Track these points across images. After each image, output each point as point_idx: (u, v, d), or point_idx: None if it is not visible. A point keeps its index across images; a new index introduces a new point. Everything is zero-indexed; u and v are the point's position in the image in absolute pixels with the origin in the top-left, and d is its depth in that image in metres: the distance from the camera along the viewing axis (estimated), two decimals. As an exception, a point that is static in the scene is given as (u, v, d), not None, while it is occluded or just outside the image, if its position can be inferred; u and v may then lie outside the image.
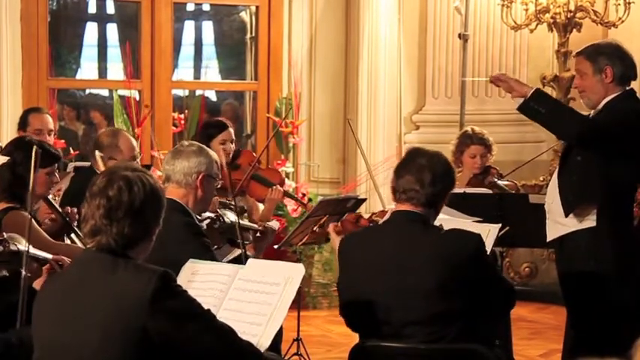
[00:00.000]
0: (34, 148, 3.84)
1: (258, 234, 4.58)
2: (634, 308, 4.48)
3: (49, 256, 3.57)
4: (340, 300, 3.77)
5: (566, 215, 4.50)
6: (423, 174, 3.63)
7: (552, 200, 4.60)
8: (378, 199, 7.90)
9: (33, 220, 4.28)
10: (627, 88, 4.55)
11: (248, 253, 4.29)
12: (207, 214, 4.35)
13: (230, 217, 4.41)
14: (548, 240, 4.64)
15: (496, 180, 5.79)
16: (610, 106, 4.49)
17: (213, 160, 4.16)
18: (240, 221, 4.51)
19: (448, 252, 3.54)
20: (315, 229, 5.20)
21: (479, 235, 3.65)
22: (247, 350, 2.99)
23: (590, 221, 4.47)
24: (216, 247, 4.14)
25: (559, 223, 4.56)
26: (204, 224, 4.22)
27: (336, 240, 4.17)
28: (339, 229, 4.35)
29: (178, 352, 2.82)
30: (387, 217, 3.88)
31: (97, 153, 5.37)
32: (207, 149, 4.22)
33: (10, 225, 4.11)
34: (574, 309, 4.61)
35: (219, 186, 4.27)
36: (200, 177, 4.07)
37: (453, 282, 3.52)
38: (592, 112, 4.60)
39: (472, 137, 5.90)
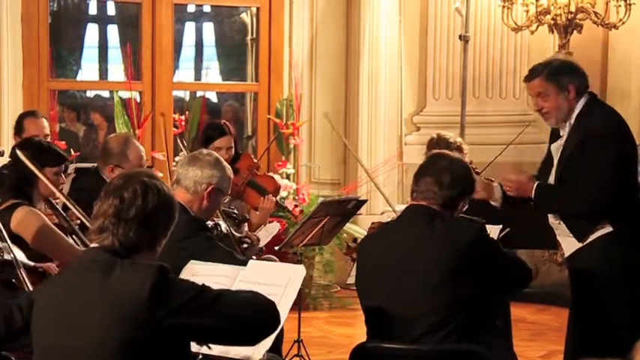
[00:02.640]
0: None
1: (244, 245, 4.60)
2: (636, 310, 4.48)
3: (36, 264, 3.60)
4: (361, 303, 3.79)
5: (581, 241, 4.51)
6: (443, 175, 3.68)
7: (559, 221, 4.59)
8: (379, 200, 7.93)
9: (47, 220, 4.31)
10: (587, 93, 4.57)
11: None
12: None
13: (224, 226, 4.43)
14: (566, 256, 4.64)
15: None
16: (584, 124, 4.48)
17: (226, 176, 4.15)
18: (233, 232, 4.54)
19: (453, 240, 3.57)
20: (349, 244, 5.24)
21: (480, 223, 3.74)
22: (257, 300, 2.93)
23: (607, 229, 4.46)
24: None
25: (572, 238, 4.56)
26: None
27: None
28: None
29: (188, 337, 2.83)
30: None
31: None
32: (224, 163, 4.20)
33: (27, 220, 4.14)
34: (582, 310, 4.60)
35: (226, 201, 4.29)
36: (209, 189, 4.07)
37: (460, 270, 3.54)
38: (563, 126, 4.58)
39: (438, 143, 5.90)
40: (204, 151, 4.32)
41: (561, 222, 4.54)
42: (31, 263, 3.68)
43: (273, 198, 5.74)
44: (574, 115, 4.53)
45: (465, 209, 3.89)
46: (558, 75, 4.54)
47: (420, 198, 3.72)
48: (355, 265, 3.95)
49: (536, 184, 4.54)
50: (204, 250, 3.78)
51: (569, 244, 4.57)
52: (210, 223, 4.37)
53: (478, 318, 3.62)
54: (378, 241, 3.84)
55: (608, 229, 4.44)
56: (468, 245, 3.57)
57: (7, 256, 3.57)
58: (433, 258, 3.55)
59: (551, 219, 4.63)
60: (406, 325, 3.56)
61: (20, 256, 3.74)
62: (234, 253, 4.03)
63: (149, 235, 2.90)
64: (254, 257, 4.45)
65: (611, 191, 4.38)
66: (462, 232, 3.62)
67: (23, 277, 3.56)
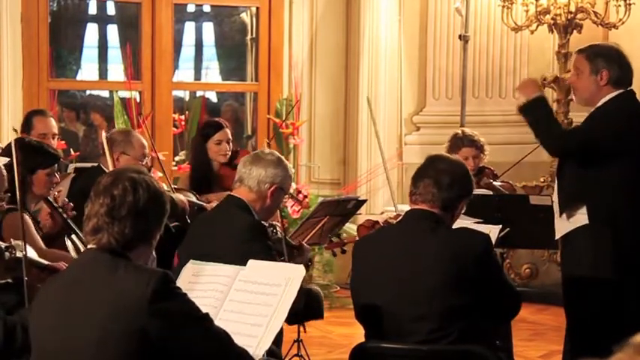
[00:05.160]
0: (14, 152, 3.82)
1: (295, 251, 4.60)
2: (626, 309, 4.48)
3: (47, 262, 3.59)
4: (354, 302, 3.78)
5: (560, 215, 4.55)
6: (442, 177, 3.65)
7: (555, 200, 4.67)
8: (379, 198, 7.94)
9: (31, 225, 4.29)
10: (627, 89, 4.59)
11: None
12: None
13: (279, 228, 4.46)
14: (556, 237, 4.68)
15: (491, 181, 5.81)
16: (603, 107, 4.54)
17: (288, 175, 4.20)
18: (287, 237, 4.56)
19: (455, 250, 3.54)
20: (332, 239, 5.24)
21: (487, 236, 3.66)
22: (245, 357, 2.99)
23: (583, 219, 4.49)
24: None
25: (560, 221, 4.60)
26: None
27: None
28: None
29: (176, 355, 2.82)
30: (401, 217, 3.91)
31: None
32: (286, 162, 4.25)
33: (9, 227, 4.12)
34: (570, 307, 4.63)
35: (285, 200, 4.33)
36: (273, 188, 4.11)
37: (458, 280, 3.52)
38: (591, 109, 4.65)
39: (463, 140, 5.90)
40: (267, 150, 4.37)
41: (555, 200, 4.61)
42: (44, 262, 3.67)
43: None
44: (601, 102, 4.54)
45: (464, 209, 3.88)
46: (597, 57, 4.59)
47: (419, 201, 3.68)
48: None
49: (541, 94, 4.68)
50: (257, 257, 3.78)
51: (558, 225, 4.60)
52: (266, 224, 4.38)
53: (478, 327, 3.60)
54: (377, 242, 3.79)
55: (584, 220, 4.45)
56: (473, 255, 3.54)
57: (19, 254, 3.56)
58: (436, 264, 3.52)
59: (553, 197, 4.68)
60: (406, 329, 3.55)
61: (33, 254, 3.74)
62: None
63: (144, 229, 2.90)
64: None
65: (577, 142, 4.55)
66: (468, 242, 3.58)
67: (35, 273, 3.56)
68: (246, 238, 3.94)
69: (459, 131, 6.02)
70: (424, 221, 3.65)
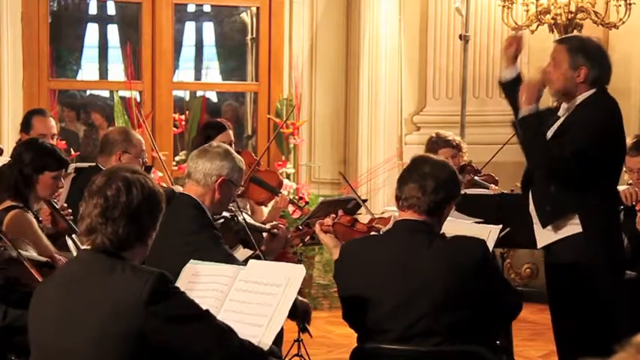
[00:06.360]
0: None
1: (270, 236, 4.57)
2: (622, 308, 4.46)
3: (43, 258, 3.59)
4: (343, 307, 3.75)
5: (544, 227, 4.46)
6: (426, 181, 3.59)
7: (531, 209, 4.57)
8: (379, 200, 7.94)
9: (35, 223, 4.32)
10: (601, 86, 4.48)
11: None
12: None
13: (244, 217, 4.41)
14: (538, 247, 4.60)
15: (474, 177, 5.84)
16: (581, 111, 4.42)
17: (237, 167, 4.12)
18: (254, 222, 4.52)
19: (453, 262, 3.49)
20: (300, 226, 5.19)
21: (483, 242, 3.60)
22: (248, 349, 2.99)
23: (576, 227, 4.41)
24: (227, 246, 4.13)
25: (542, 232, 4.52)
26: (218, 223, 4.22)
27: (325, 239, 4.11)
28: (327, 229, 4.22)
29: (178, 354, 2.81)
30: (389, 225, 3.85)
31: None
32: (235, 154, 4.17)
33: (12, 224, 4.14)
34: (561, 310, 4.59)
35: (239, 192, 4.28)
36: (219, 180, 4.06)
37: (458, 292, 3.48)
38: (563, 106, 4.52)
39: (438, 142, 5.94)
40: (214, 143, 4.30)
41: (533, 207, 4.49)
42: (42, 258, 3.68)
43: (287, 197, 5.75)
44: (576, 102, 4.45)
45: (462, 210, 3.86)
46: (578, 52, 4.41)
47: (404, 206, 3.62)
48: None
49: (537, 105, 4.39)
50: (205, 248, 3.78)
51: (540, 234, 4.53)
52: (227, 215, 4.36)
53: (479, 332, 3.58)
54: (367, 254, 3.68)
55: (577, 227, 4.38)
56: (471, 264, 3.50)
57: (12, 253, 3.56)
58: (435, 279, 3.48)
59: (531, 206, 4.58)
60: (402, 343, 3.54)
61: (29, 252, 3.74)
62: (235, 257, 4.02)
63: (138, 229, 2.89)
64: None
65: (570, 170, 4.30)
66: (464, 251, 3.53)
67: (30, 272, 3.56)
68: (189, 231, 3.92)
69: (433, 134, 6.04)
70: (417, 234, 3.59)
